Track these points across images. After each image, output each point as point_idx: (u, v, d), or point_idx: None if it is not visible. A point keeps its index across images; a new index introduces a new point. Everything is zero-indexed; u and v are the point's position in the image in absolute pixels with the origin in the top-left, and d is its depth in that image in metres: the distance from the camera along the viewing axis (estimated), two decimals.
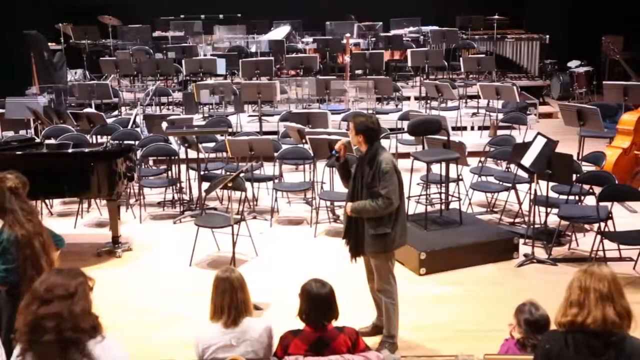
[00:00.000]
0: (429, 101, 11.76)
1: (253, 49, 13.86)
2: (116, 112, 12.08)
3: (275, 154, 8.24)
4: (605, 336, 2.91)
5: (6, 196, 4.03)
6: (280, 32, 14.32)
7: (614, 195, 6.59)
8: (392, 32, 14.15)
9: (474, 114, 11.64)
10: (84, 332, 2.81)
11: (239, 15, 15.20)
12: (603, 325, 2.90)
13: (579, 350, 2.94)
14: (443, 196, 7.49)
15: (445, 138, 7.44)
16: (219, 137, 8.96)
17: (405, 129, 7.73)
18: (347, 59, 12.28)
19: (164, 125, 8.55)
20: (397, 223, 4.91)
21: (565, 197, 7.16)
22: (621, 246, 6.42)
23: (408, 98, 12.51)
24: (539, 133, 6.89)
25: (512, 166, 7.98)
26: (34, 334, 2.75)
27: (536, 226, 6.88)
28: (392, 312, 5.00)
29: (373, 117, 4.99)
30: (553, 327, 3.17)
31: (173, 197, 8.49)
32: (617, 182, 6.84)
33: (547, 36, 13.52)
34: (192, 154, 8.40)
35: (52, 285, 2.81)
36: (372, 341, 5.02)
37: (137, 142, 8.98)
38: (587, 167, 7.65)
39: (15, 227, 3.99)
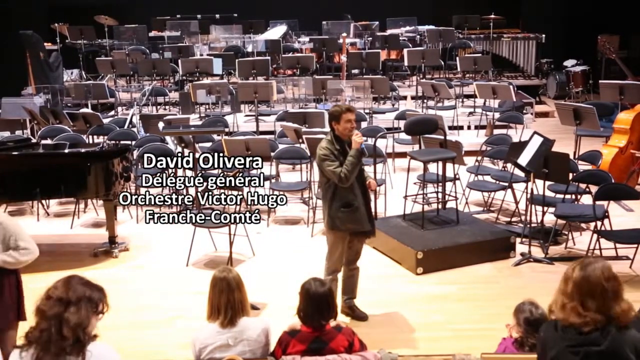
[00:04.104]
0: (425, 100, 11.76)
1: (249, 48, 13.83)
2: (112, 112, 12.07)
3: (272, 154, 8.24)
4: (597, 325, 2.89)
5: None
6: (276, 31, 14.30)
7: (610, 194, 6.61)
8: (389, 32, 14.15)
9: (470, 113, 11.64)
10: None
11: (235, 15, 15.19)
12: (602, 321, 2.86)
13: (567, 333, 2.92)
14: (440, 195, 7.49)
15: (442, 137, 7.43)
16: (215, 137, 8.96)
17: (402, 129, 7.72)
18: (343, 58, 12.28)
19: (161, 125, 8.54)
20: None
21: (561, 196, 7.17)
22: (618, 245, 6.43)
23: (405, 97, 12.50)
24: (535, 132, 6.88)
25: (509, 165, 7.99)
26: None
27: (533, 225, 6.89)
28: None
29: None
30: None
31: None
32: (613, 181, 6.85)
33: (543, 35, 13.52)
34: None
35: (85, 288, 2.95)
36: (372, 339, 5.02)
37: (133, 142, 8.97)
38: (583, 166, 7.66)
39: None
